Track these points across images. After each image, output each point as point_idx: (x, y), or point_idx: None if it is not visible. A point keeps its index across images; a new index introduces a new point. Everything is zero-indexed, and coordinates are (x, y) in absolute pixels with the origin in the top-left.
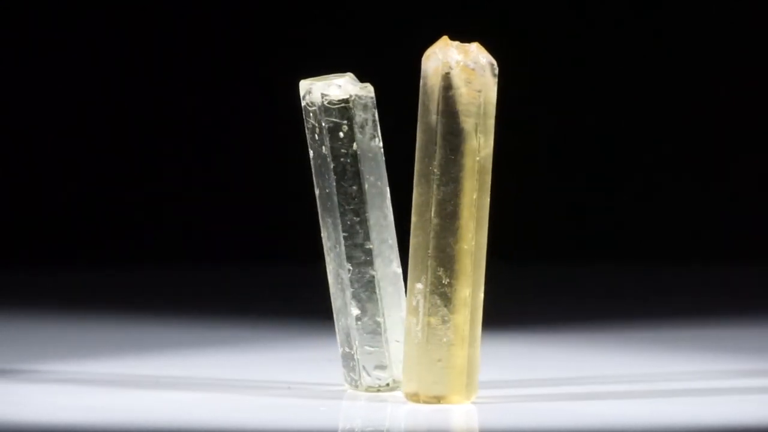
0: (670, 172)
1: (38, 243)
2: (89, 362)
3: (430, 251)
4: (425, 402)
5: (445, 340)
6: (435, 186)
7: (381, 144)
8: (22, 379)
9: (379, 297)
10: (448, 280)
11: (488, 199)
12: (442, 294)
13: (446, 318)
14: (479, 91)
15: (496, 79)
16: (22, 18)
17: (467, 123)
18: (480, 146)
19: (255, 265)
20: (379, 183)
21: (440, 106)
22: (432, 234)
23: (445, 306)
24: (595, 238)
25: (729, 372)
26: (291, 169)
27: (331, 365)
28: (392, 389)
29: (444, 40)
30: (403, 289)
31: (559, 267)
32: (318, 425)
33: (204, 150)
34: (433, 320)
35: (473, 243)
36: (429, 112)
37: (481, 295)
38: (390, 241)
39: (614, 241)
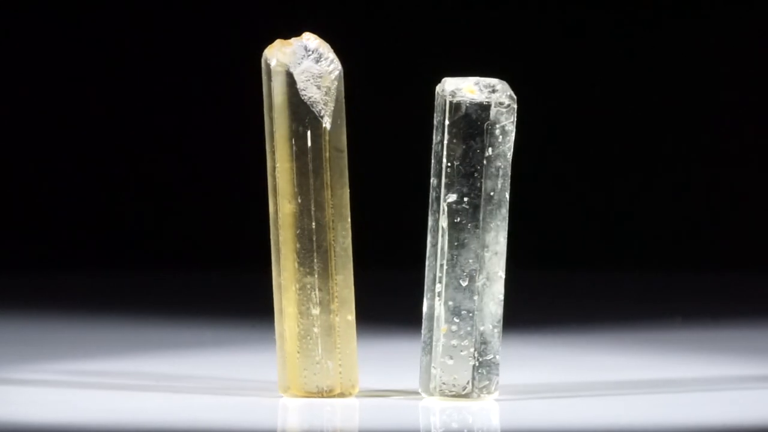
0: (679, 174)
1: (37, 245)
2: (87, 362)
3: None
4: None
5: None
6: None
7: None
8: (20, 379)
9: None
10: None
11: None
12: None
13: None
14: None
15: (328, 80)
16: (23, 19)
17: (275, 118)
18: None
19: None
20: None
21: None
22: None
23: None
24: (612, 244)
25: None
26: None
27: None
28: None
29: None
30: None
31: (578, 272)
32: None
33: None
34: None
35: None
36: None
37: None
38: None
39: (631, 246)
